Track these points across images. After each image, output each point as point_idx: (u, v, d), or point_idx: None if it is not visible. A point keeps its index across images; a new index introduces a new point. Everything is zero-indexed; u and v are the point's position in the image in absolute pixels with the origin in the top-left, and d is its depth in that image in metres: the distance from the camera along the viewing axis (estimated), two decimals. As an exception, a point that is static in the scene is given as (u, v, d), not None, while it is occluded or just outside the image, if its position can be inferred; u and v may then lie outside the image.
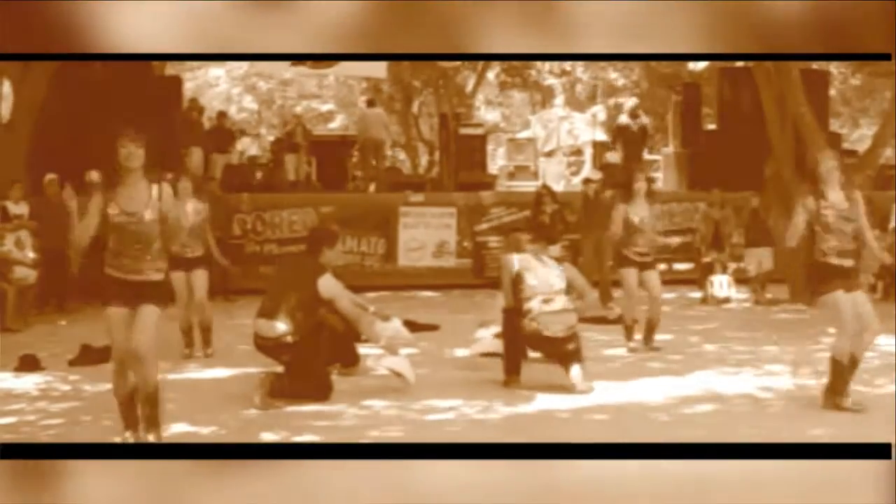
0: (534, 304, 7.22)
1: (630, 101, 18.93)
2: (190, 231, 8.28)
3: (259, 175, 17.32)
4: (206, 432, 6.11)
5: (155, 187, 5.45)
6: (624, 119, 17.57)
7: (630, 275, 8.96)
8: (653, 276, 9.04)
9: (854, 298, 6.40)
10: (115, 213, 5.35)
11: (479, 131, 18.47)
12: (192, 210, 8.65)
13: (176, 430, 6.04)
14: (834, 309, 6.42)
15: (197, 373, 8.19)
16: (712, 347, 9.34)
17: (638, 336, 9.03)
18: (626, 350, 8.91)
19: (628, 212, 8.91)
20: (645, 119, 18.06)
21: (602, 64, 25.90)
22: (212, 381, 7.81)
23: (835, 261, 6.36)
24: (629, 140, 17.18)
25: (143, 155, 5.40)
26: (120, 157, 5.36)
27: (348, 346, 7.84)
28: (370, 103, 19.00)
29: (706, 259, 13.52)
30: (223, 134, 17.76)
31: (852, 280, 6.42)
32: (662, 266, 9.48)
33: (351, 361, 7.85)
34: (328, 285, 6.99)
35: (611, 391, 7.19)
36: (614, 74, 27.42)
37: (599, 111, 23.14)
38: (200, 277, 8.79)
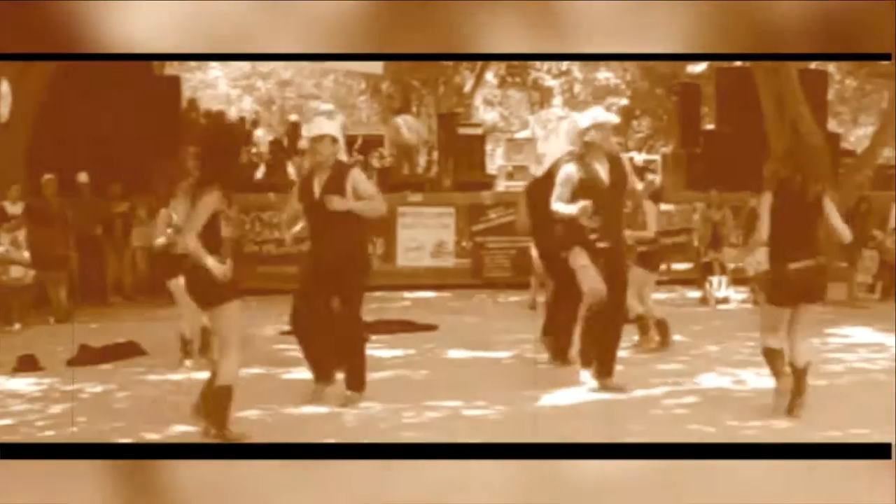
0: None
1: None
2: None
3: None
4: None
5: None
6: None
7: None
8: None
9: None
10: None
11: (477, 131, 18.42)
12: None
13: (177, 430, 6.04)
14: None
15: (199, 373, 8.16)
16: (711, 347, 9.34)
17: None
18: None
19: None
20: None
21: (598, 64, 25.89)
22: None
23: None
24: None
25: None
26: None
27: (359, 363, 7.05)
28: (401, 110, 18.98)
29: (705, 259, 13.52)
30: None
31: None
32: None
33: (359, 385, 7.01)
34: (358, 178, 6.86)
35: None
36: (608, 74, 27.38)
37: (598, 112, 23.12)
38: None
